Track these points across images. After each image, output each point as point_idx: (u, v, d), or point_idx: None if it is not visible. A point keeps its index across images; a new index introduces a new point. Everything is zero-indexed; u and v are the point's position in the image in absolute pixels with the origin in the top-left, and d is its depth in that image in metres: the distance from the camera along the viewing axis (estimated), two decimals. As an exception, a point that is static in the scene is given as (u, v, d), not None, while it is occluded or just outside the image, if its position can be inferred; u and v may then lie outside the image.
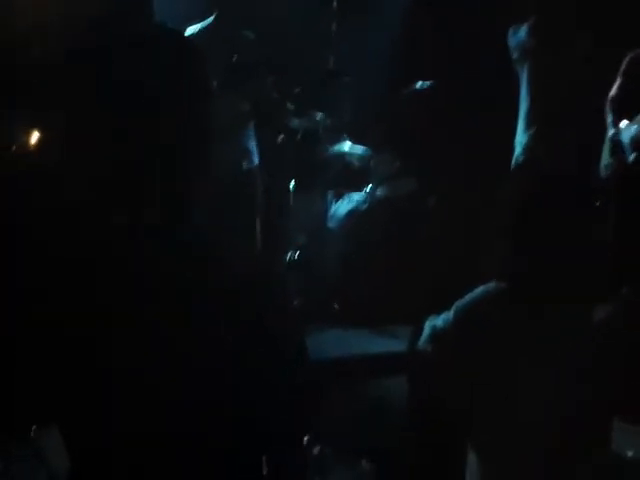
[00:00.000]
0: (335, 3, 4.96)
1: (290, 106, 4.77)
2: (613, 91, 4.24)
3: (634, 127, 4.20)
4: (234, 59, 4.24)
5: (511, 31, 4.40)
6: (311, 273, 4.70)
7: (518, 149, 4.36)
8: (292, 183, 4.83)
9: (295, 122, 4.80)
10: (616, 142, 4.29)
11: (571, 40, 4.27)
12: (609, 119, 4.30)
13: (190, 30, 4.26)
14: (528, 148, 4.28)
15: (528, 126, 4.29)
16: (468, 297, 1.96)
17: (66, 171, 1.32)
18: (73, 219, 1.28)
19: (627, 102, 4.19)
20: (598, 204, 4.81)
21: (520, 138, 4.35)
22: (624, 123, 4.23)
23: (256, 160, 4.52)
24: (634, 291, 3.86)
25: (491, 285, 1.93)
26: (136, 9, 2.89)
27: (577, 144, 4.34)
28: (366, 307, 4.40)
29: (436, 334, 2.01)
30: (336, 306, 4.54)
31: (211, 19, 4.32)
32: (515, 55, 4.38)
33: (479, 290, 1.95)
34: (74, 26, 2.69)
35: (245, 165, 4.44)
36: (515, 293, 1.92)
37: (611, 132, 4.29)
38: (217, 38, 4.21)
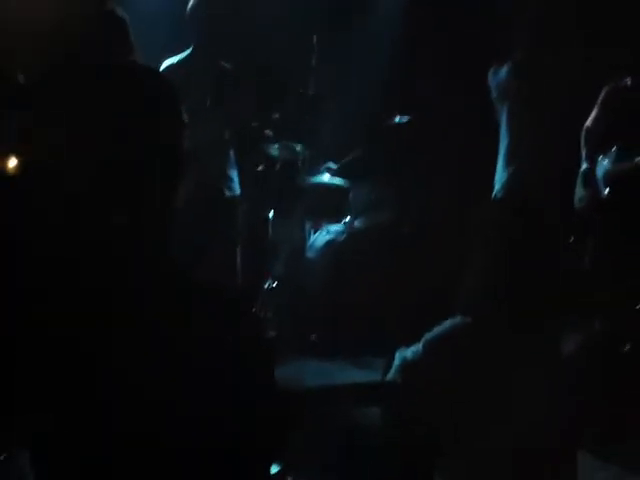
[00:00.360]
0: (315, 37, 5.04)
1: (270, 134, 4.82)
2: (589, 122, 4.34)
3: (607, 161, 4.30)
4: (213, 91, 4.30)
5: (491, 71, 4.50)
6: (289, 303, 4.73)
7: (497, 186, 4.43)
8: (271, 213, 4.88)
9: (275, 152, 4.85)
10: (589, 176, 4.39)
11: (552, 79, 4.38)
12: (583, 151, 4.40)
13: (168, 62, 4.30)
14: (507, 185, 4.37)
15: (507, 164, 4.38)
16: (436, 330, 2.02)
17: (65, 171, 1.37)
18: (72, 219, 1.33)
19: (602, 134, 4.30)
20: (572, 239, 4.91)
21: (499, 175, 4.43)
22: (599, 157, 4.33)
23: (237, 189, 4.57)
24: (607, 323, 3.95)
25: (457, 319, 1.99)
26: (114, 45, 2.96)
27: (556, 181, 4.43)
28: (343, 338, 4.44)
29: (406, 365, 2.07)
30: (313, 337, 4.56)
31: (189, 51, 4.38)
32: (495, 94, 4.48)
33: (446, 324, 2.01)
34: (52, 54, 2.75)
35: (227, 193, 4.49)
36: (482, 326, 1.97)
37: (584, 166, 4.39)
38: (196, 69, 4.28)
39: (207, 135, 4.13)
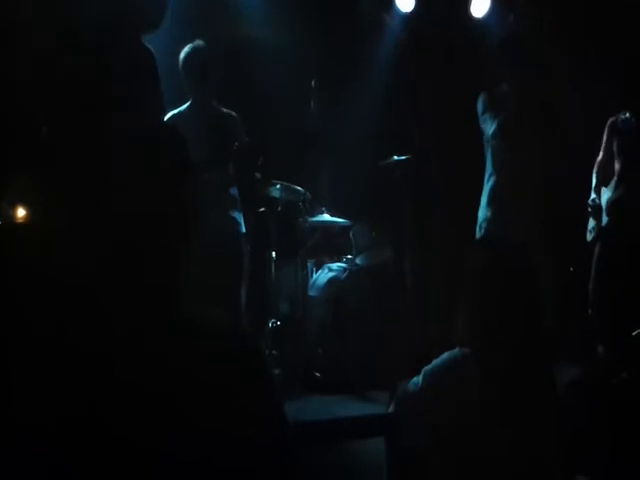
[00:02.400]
0: (314, 81, 5.19)
1: (271, 179, 4.92)
2: (599, 156, 4.50)
3: (607, 192, 4.44)
4: (213, 137, 4.42)
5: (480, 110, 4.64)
6: (292, 341, 4.81)
7: (480, 221, 4.58)
8: (273, 253, 4.97)
9: (276, 193, 4.95)
10: (596, 206, 4.53)
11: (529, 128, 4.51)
12: (593, 183, 4.56)
13: (170, 114, 4.42)
14: (489, 221, 4.51)
15: (489, 202, 4.53)
16: (435, 362, 2.11)
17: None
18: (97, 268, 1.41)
19: (609, 165, 4.45)
20: (572, 269, 4.99)
21: (482, 213, 4.58)
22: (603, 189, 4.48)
23: (243, 229, 4.69)
24: (605, 352, 4.02)
25: (455, 351, 2.08)
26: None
27: (534, 218, 4.54)
28: (346, 374, 4.51)
29: (407, 397, 2.15)
30: (317, 374, 4.62)
31: (189, 102, 4.53)
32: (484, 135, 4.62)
33: (445, 356, 2.10)
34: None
35: (233, 233, 4.60)
36: (480, 357, 2.06)
37: (591, 197, 4.53)
38: (196, 117, 4.43)
39: (212, 180, 4.26)
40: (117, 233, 1.42)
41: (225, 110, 4.62)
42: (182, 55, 4.44)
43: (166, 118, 4.36)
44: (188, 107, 4.51)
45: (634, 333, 3.46)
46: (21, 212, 3.83)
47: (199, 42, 4.45)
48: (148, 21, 3.25)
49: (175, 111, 4.45)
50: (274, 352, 4.66)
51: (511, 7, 5.47)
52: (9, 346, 1.38)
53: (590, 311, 4.43)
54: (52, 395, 1.32)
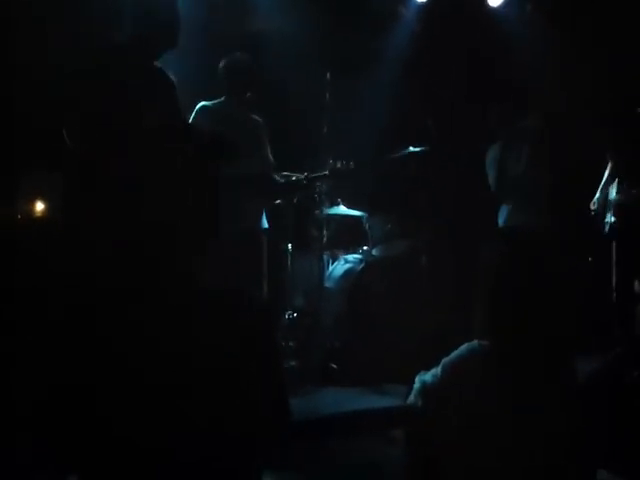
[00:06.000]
0: (329, 74, 5.16)
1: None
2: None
3: (613, 191, 4.52)
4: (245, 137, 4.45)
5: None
6: (309, 333, 4.80)
7: (501, 219, 4.57)
8: (290, 245, 4.96)
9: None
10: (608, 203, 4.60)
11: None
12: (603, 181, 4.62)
13: (203, 104, 4.47)
14: (509, 218, 4.50)
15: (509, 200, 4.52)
16: (454, 354, 2.10)
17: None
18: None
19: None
20: (590, 259, 5.03)
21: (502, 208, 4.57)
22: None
23: (265, 223, 4.69)
24: (624, 344, 4.00)
25: (474, 343, 2.07)
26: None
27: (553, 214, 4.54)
28: (362, 366, 4.50)
29: (425, 389, 2.14)
30: (333, 366, 4.62)
31: (222, 99, 4.57)
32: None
33: (463, 347, 2.09)
34: None
35: (256, 227, 4.61)
36: (498, 349, 2.05)
37: (605, 194, 4.60)
38: (229, 116, 4.46)
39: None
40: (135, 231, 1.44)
41: (256, 117, 4.66)
42: (231, 57, 4.57)
43: (197, 107, 4.42)
44: (223, 104, 4.54)
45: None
46: (40, 206, 3.84)
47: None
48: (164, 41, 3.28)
49: (208, 103, 4.47)
50: (290, 344, 4.67)
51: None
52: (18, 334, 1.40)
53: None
54: (54, 391, 1.34)
